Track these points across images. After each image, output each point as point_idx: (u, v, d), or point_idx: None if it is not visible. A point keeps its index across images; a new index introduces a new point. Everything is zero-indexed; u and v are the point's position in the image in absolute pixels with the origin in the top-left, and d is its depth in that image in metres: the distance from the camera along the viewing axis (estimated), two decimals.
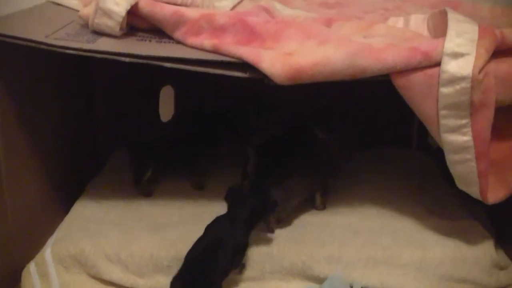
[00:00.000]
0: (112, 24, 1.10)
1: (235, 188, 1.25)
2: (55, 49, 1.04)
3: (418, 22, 1.20)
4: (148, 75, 1.41)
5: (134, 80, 1.55)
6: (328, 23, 1.21)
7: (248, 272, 1.19)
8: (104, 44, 1.08)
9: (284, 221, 1.30)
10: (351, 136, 1.46)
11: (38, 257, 1.22)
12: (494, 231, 1.30)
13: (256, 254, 1.20)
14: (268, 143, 1.38)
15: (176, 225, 1.27)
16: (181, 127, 1.58)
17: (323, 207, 1.39)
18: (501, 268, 1.22)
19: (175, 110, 1.70)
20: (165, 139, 1.49)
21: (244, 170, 1.37)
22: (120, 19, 1.09)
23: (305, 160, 1.33)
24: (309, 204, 1.38)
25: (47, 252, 1.21)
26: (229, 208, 1.21)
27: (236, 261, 1.14)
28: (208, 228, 1.16)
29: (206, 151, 1.52)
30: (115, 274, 1.19)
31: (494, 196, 1.12)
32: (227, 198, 1.23)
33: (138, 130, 1.60)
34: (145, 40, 1.14)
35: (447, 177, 1.15)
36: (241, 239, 1.15)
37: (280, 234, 1.26)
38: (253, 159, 1.35)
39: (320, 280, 1.19)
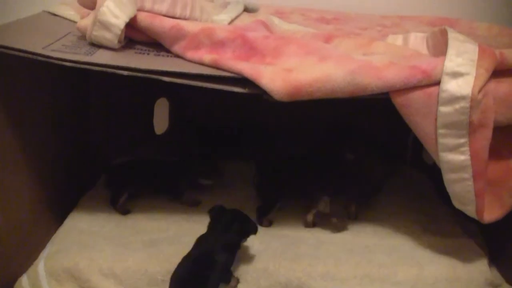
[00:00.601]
0: (111, 37, 1.09)
1: (218, 208, 1.23)
2: (52, 60, 1.03)
3: (418, 40, 1.20)
4: (144, 87, 1.41)
5: (130, 93, 1.54)
6: (328, 39, 1.21)
7: (243, 286, 1.18)
8: (102, 57, 1.07)
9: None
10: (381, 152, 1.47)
11: (30, 270, 1.20)
12: (487, 249, 1.31)
13: (252, 270, 1.19)
14: (283, 162, 1.42)
15: (171, 240, 1.26)
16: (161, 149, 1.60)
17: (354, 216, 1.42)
18: (495, 286, 1.22)
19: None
20: (142, 162, 1.49)
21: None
22: (119, 32, 1.09)
23: (333, 181, 1.37)
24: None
25: (40, 266, 1.19)
26: (211, 224, 1.20)
27: (223, 280, 1.14)
28: (194, 247, 1.15)
29: (185, 174, 1.50)
30: None
31: (490, 215, 1.12)
32: (210, 214, 1.23)
33: (132, 143, 1.60)
34: (144, 53, 1.13)
35: (442, 194, 1.15)
36: (226, 257, 1.14)
37: (276, 251, 1.25)
38: (258, 177, 1.39)
39: None
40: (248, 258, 1.22)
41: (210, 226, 1.20)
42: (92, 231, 1.31)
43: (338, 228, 1.35)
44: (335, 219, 1.35)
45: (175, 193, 1.48)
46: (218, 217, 1.20)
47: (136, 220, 1.38)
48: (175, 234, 1.30)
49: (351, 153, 1.40)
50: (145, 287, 1.17)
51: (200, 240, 1.16)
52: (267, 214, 1.36)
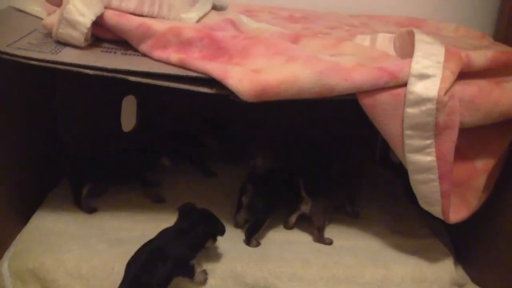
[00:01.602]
0: (77, 35, 1.08)
1: (188, 206, 1.23)
2: (17, 59, 1.02)
3: (385, 41, 1.21)
4: (111, 85, 1.40)
5: (97, 90, 1.53)
6: (296, 39, 1.20)
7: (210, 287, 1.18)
8: (68, 55, 1.06)
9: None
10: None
11: None
12: (453, 249, 1.33)
13: (219, 270, 1.19)
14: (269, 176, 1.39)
15: (137, 239, 1.24)
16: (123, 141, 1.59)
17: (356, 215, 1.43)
18: (460, 286, 1.23)
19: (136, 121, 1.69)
20: (104, 155, 1.47)
21: (239, 200, 1.38)
22: (85, 30, 1.07)
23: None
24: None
25: (4, 266, 1.18)
26: (178, 220, 1.20)
27: (179, 272, 1.13)
28: (154, 238, 1.15)
29: (150, 165, 1.50)
30: None
31: (456, 216, 1.13)
32: (179, 210, 1.22)
33: (99, 141, 1.59)
34: (110, 52, 1.12)
35: (409, 194, 1.16)
36: (183, 251, 1.14)
37: (243, 251, 1.25)
38: (250, 192, 1.36)
39: None
40: (215, 258, 1.21)
41: (176, 221, 1.20)
42: (58, 231, 1.29)
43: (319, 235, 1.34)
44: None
45: (140, 180, 1.49)
46: (186, 214, 1.20)
47: (102, 219, 1.36)
48: (141, 234, 1.28)
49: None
50: (112, 287, 1.16)
51: (162, 232, 1.17)
52: (257, 233, 1.32)
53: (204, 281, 1.18)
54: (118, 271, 1.16)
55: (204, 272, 1.18)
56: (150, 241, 1.14)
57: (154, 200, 1.46)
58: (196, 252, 1.16)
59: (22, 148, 1.35)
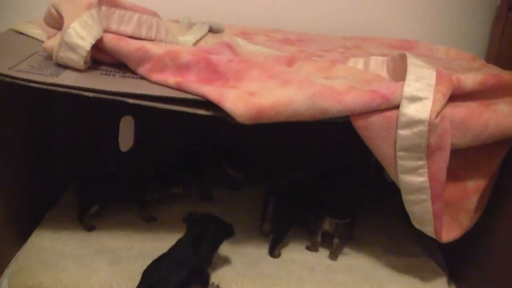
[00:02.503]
0: (77, 58, 1.10)
1: (193, 214, 1.26)
2: (18, 81, 1.04)
3: (378, 64, 1.23)
4: (108, 105, 1.41)
5: (94, 111, 1.55)
6: (290, 62, 1.22)
7: None
8: (68, 78, 1.08)
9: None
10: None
11: None
12: (447, 268, 1.34)
13: None
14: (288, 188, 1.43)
15: (135, 258, 1.27)
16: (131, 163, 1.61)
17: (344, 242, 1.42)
18: None
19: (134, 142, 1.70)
20: (111, 175, 1.49)
21: (263, 213, 1.42)
22: (85, 53, 1.09)
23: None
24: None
25: (4, 284, 1.19)
26: (188, 229, 1.23)
27: (196, 279, 1.16)
28: (171, 249, 1.18)
29: (156, 189, 1.52)
30: None
31: (448, 235, 1.15)
32: (186, 220, 1.25)
33: (97, 160, 1.60)
34: (109, 75, 1.14)
35: (402, 213, 1.18)
36: (200, 259, 1.17)
37: (238, 270, 1.26)
38: (272, 204, 1.39)
39: None
40: (212, 278, 1.22)
41: (187, 230, 1.23)
42: (56, 249, 1.30)
43: (338, 249, 1.36)
44: (337, 240, 1.36)
45: (141, 203, 1.50)
46: (194, 221, 1.23)
47: (100, 238, 1.37)
48: (139, 252, 1.30)
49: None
50: None
51: (177, 243, 1.20)
52: (280, 243, 1.36)
53: None
54: None
55: (216, 286, 1.20)
56: (168, 252, 1.17)
57: (147, 219, 1.48)
58: (212, 257, 1.20)
59: (20, 168, 1.37)
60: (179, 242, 1.20)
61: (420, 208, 1.09)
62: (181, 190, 1.52)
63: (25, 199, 1.40)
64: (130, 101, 1.03)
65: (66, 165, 1.63)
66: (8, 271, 1.23)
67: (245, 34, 1.51)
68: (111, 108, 1.50)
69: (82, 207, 1.44)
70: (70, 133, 1.63)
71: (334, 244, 1.36)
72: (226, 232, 1.24)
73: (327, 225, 1.35)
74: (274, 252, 1.34)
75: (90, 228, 1.41)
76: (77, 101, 1.44)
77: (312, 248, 1.38)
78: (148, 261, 1.16)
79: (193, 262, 1.15)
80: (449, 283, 1.28)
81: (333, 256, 1.34)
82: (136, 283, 1.13)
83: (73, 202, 1.51)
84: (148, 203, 1.50)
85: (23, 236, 1.35)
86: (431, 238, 1.17)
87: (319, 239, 1.37)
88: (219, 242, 1.22)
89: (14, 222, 1.34)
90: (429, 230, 1.13)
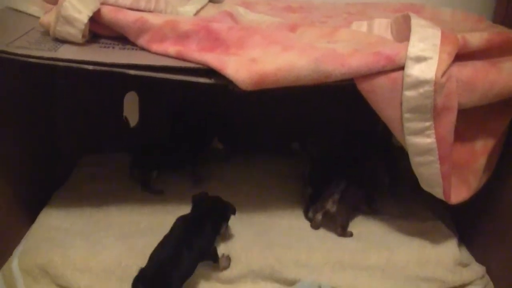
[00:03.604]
0: (74, 32, 1.08)
1: (200, 194, 1.28)
2: (17, 57, 1.02)
3: (382, 27, 1.21)
4: (111, 82, 1.41)
5: (97, 88, 1.54)
6: (292, 29, 1.21)
7: (217, 275, 1.20)
8: (67, 52, 1.06)
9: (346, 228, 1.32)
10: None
11: (5, 268, 1.20)
12: (457, 230, 1.33)
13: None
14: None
15: (144, 232, 1.27)
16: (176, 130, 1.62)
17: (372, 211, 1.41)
18: (464, 266, 1.24)
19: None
20: (163, 143, 1.56)
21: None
22: (82, 27, 1.08)
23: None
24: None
25: (14, 263, 1.19)
26: (193, 208, 1.24)
27: (204, 257, 1.17)
28: (172, 229, 1.18)
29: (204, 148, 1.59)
30: (83, 283, 1.17)
31: (457, 196, 1.14)
32: (193, 199, 1.26)
33: (102, 138, 1.61)
34: (108, 47, 1.13)
35: (411, 178, 1.17)
36: (205, 238, 1.18)
37: (248, 239, 1.26)
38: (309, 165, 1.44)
39: (288, 283, 1.20)
40: (221, 247, 1.23)
41: (192, 210, 1.24)
42: (64, 228, 1.30)
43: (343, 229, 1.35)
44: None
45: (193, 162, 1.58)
46: (199, 202, 1.25)
47: (108, 214, 1.37)
48: (147, 227, 1.30)
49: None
50: (119, 281, 1.17)
51: (178, 222, 1.20)
52: (316, 203, 1.35)
53: (228, 265, 1.21)
54: (126, 265, 1.18)
55: (228, 258, 1.21)
56: (170, 233, 1.17)
57: (197, 177, 1.54)
58: (215, 237, 1.21)
59: (26, 149, 1.37)
60: (180, 221, 1.20)
61: (428, 170, 1.08)
62: (221, 145, 1.59)
63: (32, 179, 1.40)
64: (131, 72, 1.02)
65: (71, 144, 1.62)
66: (17, 251, 1.24)
67: (247, 4, 1.48)
68: (114, 84, 1.49)
69: (144, 175, 1.51)
70: (73, 112, 1.62)
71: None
72: (227, 215, 1.25)
73: (330, 206, 1.33)
74: (309, 211, 1.36)
75: (158, 192, 1.48)
76: (79, 78, 1.47)
77: (314, 226, 1.35)
78: (157, 235, 1.16)
79: (198, 242, 1.15)
80: (459, 245, 1.27)
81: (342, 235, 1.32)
82: (146, 257, 1.13)
83: (80, 180, 1.52)
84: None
85: (31, 216, 1.35)
86: (440, 202, 1.16)
87: (319, 217, 1.34)
88: (220, 225, 1.23)
89: (22, 202, 1.34)
90: (437, 192, 1.12)
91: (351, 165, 1.41)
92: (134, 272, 1.12)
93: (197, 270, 1.15)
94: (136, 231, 1.29)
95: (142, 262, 1.13)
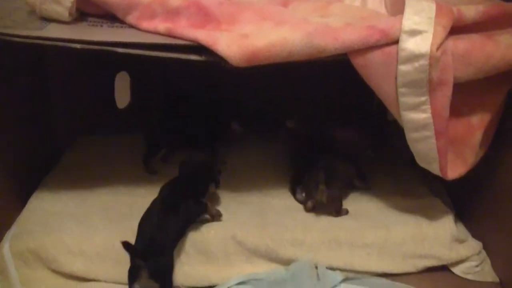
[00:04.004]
0: (61, 10, 1.06)
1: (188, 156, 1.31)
2: (3, 37, 1.00)
3: (376, 1, 1.20)
4: (102, 62, 1.39)
5: (88, 69, 1.52)
6: (285, 4, 1.19)
7: (212, 254, 1.18)
8: (54, 31, 1.04)
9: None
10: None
11: None
12: (453, 206, 1.33)
13: (219, 238, 1.19)
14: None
15: (138, 214, 1.23)
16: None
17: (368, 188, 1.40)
18: (461, 242, 1.23)
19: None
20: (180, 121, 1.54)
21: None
22: (69, 4, 1.06)
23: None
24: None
25: (5, 248, 1.17)
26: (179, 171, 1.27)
27: (192, 211, 1.19)
28: (160, 192, 1.21)
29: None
30: (77, 267, 1.16)
31: (454, 172, 1.13)
32: (179, 163, 1.29)
33: (97, 119, 1.59)
34: (97, 25, 1.10)
35: (407, 155, 1.16)
36: (191, 194, 1.20)
37: (243, 218, 1.25)
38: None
39: (284, 262, 1.19)
40: (215, 225, 1.21)
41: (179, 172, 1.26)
42: (56, 211, 1.28)
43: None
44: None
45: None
46: (184, 164, 1.27)
47: (101, 196, 1.36)
48: (142, 209, 1.27)
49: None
50: (113, 263, 1.16)
51: (165, 186, 1.23)
52: (299, 184, 1.34)
53: (218, 215, 1.22)
54: (120, 247, 1.15)
55: (216, 210, 1.23)
56: (157, 197, 1.19)
57: (149, 172, 1.49)
58: (203, 196, 1.22)
59: (17, 132, 1.35)
60: (167, 185, 1.22)
61: (425, 146, 1.07)
62: (239, 127, 1.56)
63: (24, 163, 1.38)
64: (120, 50, 1.00)
65: (63, 127, 1.60)
66: (9, 235, 1.22)
67: None
68: (106, 63, 1.47)
69: (150, 152, 1.50)
70: (65, 94, 1.61)
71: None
72: (214, 176, 1.27)
73: (320, 196, 1.29)
74: (296, 192, 1.34)
75: (153, 172, 1.47)
76: (70, 61, 1.45)
77: (306, 209, 1.33)
78: None
79: (184, 198, 1.17)
80: (456, 221, 1.26)
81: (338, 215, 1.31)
82: None
83: (72, 163, 1.51)
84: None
85: (23, 199, 1.34)
86: (436, 177, 1.15)
87: (311, 206, 1.31)
88: (206, 187, 1.24)
89: (14, 185, 1.33)
90: (434, 168, 1.11)
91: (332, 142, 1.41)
92: (128, 255, 1.10)
93: (191, 248, 1.16)
94: (130, 213, 1.27)
95: None
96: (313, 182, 1.29)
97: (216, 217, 1.22)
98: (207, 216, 1.22)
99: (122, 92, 1.65)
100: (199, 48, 1.01)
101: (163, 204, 1.15)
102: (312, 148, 1.41)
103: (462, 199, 1.33)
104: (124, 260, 1.11)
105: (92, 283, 1.17)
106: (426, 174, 1.16)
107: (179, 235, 1.15)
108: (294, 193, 1.35)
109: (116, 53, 1.00)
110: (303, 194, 1.32)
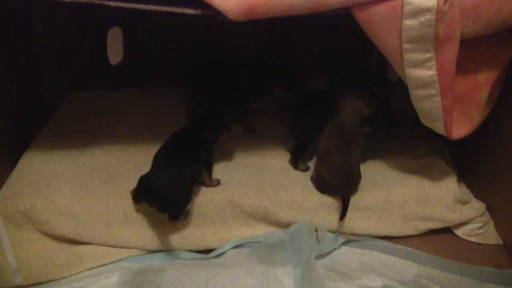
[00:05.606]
0: None
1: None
2: None
3: None
4: (93, 17, 1.34)
5: (78, 25, 1.47)
6: None
7: (210, 217, 1.16)
8: None
9: None
10: None
11: None
12: (456, 167, 1.30)
13: (216, 200, 1.17)
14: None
15: (131, 173, 1.21)
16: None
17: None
18: (464, 203, 1.22)
19: None
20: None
21: None
22: None
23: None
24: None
25: None
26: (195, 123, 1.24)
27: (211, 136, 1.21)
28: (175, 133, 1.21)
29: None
30: (69, 229, 1.13)
31: (459, 131, 1.11)
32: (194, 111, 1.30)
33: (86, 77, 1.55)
34: None
35: (409, 114, 1.13)
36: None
37: (240, 180, 1.22)
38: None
39: (283, 225, 1.17)
40: (212, 188, 1.19)
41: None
42: (48, 171, 1.25)
43: None
44: None
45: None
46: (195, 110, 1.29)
47: (93, 155, 1.32)
48: (135, 166, 1.25)
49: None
50: (106, 224, 1.14)
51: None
52: (302, 156, 1.31)
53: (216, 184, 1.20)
54: (112, 208, 1.14)
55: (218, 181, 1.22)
56: (173, 135, 1.20)
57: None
58: (211, 147, 1.23)
59: (4, 92, 1.30)
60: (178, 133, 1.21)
61: (429, 104, 1.04)
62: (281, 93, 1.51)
63: (12, 123, 1.34)
64: (111, 4, 0.95)
65: (52, 85, 1.56)
66: None
67: None
68: (96, 18, 1.42)
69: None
70: (54, 51, 1.56)
71: None
72: (228, 123, 1.25)
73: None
74: (297, 165, 1.30)
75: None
76: (59, 17, 1.40)
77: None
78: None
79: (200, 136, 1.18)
80: (458, 182, 1.24)
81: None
82: None
83: (64, 121, 1.47)
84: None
85: (13, 160, 1.30)
86: (438, 138, 1.13)
87: (300, 168, 1.30)
88: (218, 135, 1.23)
89: (3, 145, 1.29)
90: (438, 127, 1.08)
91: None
92: (121, 216, 1.10)
93: (192, 209, 1.15)
94: (122, 172, 1.25)
95: (129, 204, 1.11)
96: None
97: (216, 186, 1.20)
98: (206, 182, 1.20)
99: (115, 47, 1.61)
100: (195, 1, 0.96)
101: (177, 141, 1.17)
102: (307, 114, 1.37)
103: (465, 161, 1.30)
104: (118, 220, 1.09)
105: (84, 246, 1.14)
106: (429, 133, 1.13)
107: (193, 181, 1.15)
108: (295, 166, 1.31)
109: (108, 7, 0.95)
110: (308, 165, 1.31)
